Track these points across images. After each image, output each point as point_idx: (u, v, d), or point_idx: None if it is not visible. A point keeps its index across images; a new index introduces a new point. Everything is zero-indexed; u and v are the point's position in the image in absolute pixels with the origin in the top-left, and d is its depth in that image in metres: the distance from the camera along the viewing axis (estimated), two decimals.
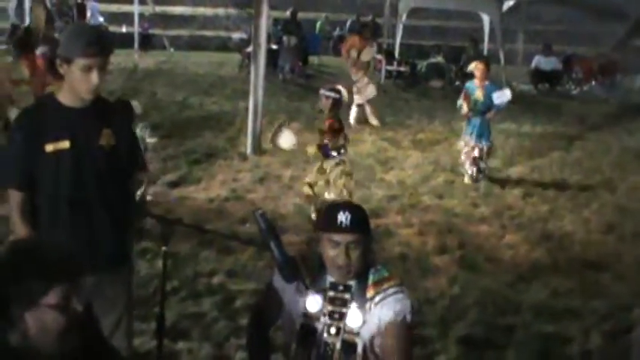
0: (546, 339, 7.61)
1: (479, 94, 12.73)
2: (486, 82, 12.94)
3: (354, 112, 17.83)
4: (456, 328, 7.62)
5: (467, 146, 13.09)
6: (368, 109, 17.96)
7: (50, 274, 3.09)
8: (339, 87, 10.62)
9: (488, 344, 7.42)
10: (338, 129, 9.99)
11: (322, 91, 10.47)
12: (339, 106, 10.34)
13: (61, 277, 3.10)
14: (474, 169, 13.01)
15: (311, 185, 10.18)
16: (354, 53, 18.27)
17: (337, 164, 9.98)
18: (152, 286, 7.90)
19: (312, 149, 10.24)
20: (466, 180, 13.03)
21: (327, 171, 9.98)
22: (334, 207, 4.16)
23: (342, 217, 4.01)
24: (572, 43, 31.27)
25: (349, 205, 4.19)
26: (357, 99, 17.76)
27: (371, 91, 18.16)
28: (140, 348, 6.50)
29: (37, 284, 3.05)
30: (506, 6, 26.92)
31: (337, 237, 4.03)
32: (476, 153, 12.93)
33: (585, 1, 31.12)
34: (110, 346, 3.98)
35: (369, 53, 18.57)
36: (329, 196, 9.84)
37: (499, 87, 13.19)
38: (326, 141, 9.95)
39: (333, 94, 10.25)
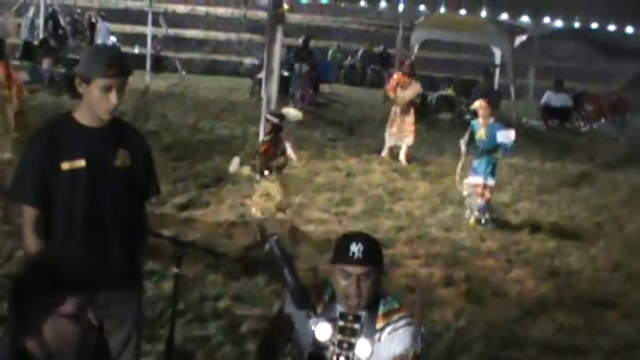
0: None
1: (482, 133, 12.49)
2: (491, 121, 12.60)
3: (387, 146, 17.58)
4: None
5: (471, 186, 12.74)
6: (404, 149, 17.36)
7: (65, 284, 3.13)
8: (285, 111, 10.98)
9: None
10: (272, 154, 10.33)
11: (267, 115, 10.91)
12: (277, 131, 10.48)
13: (76, 288, 3.13)
14: (479, 208, 12.64)
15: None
16: (401, 92, 17.57)
17: (258, 183, 10.50)
18: (158, 307, 7.93)
19: (245, 170, 10.58)
20: (471, 222, 12.66)
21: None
22: (347, 238, 4.15)
23: (355, 249, 4.01)
24: (583, 80, 31.30)
25: (362, 236, 4.16)
26: (397, 140, 17.48)
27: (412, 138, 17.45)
28: None
29: (54, 295, 3.09)
30: (518, 41, 26.95)
31: (349, 268, 4.02)
32: (479, 190, 12.58)
33: (597, 38, 31.20)
34: None
35: (415, 89, 17.77)
36: (255, 214, 10.55)
37: (504, 126, 12.85)
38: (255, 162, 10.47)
39: (273, 119, 10.52)
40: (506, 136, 12.34)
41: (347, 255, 4.02)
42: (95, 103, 4.71)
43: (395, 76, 18.41)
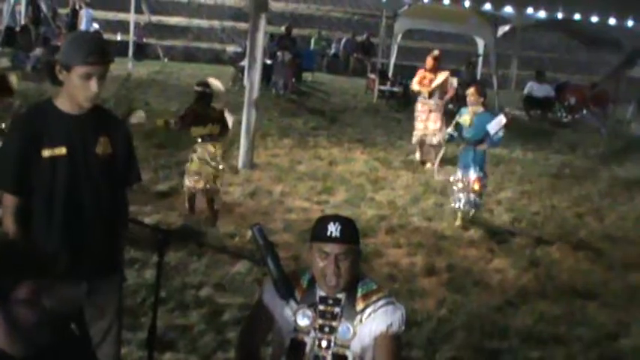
0: None
1: (467, 119, 11.95)
2: (480, 110, 11.91)
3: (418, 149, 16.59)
4: (443, 351, 7.65)
5: (457, 181, 12.02)
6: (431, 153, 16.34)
7: (18, 269, 3.12)
8: (210, 80, 10.99)
9: None
10: (191, 120, 10.57)
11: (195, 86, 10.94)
12: (205, 99, 10.64)
13: (30, 273, 3.12)
14: (469, 202, 11.94)
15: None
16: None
17: (193, 151, 10.67)
18: (140, 295, 7.91)
19: (160, 122, 11.05)
20: (457, 223, 12.03)
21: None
22: (325, 218, 4.23)
23: (332, 228, 4.07)
24: (566, 70, 31.44)
25: (339, 217, 4.22)
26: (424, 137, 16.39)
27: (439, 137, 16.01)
28: (127, 357, 6.49)
29: (5, 279, 3.07)
30: (501, 31, 27.03)
31: (327, 247, 4.08)
32: (461, 184, 11.90)
33: (580, 29, 31.24)
34: (93, 354, 4.00)
35: (443, 75, 16.69)
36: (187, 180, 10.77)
37: (493, 116, 12.00)
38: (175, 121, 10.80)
39: (197, 87, 10.74)
40: (497, 123, 11.71)
41: (325, 234, 4.09)
42: (76, 91, 4.69)
43: (420, 72, 17.10)
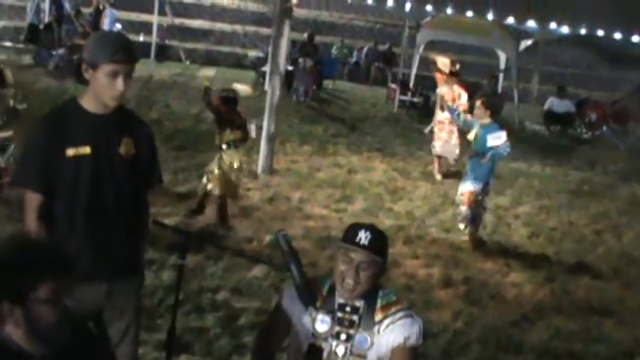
0: None
1: (474, 134, 11.63)
2: (486, 122, 11.54)
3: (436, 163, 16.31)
4: None
5: (460, 193, 11.80)
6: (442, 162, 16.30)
7: (40, 268, 3.13)
8: (236, 86, 11.73)
9: None
10: (224, 124, 10.70)
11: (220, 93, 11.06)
12: (230, 104, 10.73)
13: (51, 273, 3.14)
14: (463, 216, 11.69)
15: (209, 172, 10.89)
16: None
17: (219, 157, 10.74)
18: (157, 297, 7.94)
19: (206, 81, 11.43)
20: (464, 238, 11.78)
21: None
22: (358, 224, 4.22)
23: (362, 235, 4.07)
24: (587, 87, 31.35)
25: (372, 227, 4.21)
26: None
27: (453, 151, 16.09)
28: (143, 358, 6.51)
29: (27, 279, 3.09)
30: (523, 45, 26.98)
31: (351, 253, 4.07)
32: (465, 198, 11.57)
33: (602, 46, 31.20)
34: (112, 354, 4.01)
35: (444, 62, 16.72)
36: (207, 185, 10.84)
37: (497, 129, 11.52)
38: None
39: (224, 94, 10.90)
40: (496, 137, 11.43)
41: (354, 239, 4.08)
42: (102, 90, 4.69)
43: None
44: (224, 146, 10.63)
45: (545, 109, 26.23)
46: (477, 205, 11.58)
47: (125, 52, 4.68)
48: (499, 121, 12.02)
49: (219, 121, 10.71)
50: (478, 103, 11.84)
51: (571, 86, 27.83)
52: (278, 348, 4.54)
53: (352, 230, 4.14)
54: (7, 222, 9.46)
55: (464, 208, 11.63)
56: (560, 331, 8.84)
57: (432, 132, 16.20)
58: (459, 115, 12.32)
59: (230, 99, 10.69)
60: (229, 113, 10.64)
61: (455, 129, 15.62)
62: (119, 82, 4.66)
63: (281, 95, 14.80)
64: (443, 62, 16.23)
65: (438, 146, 16.06)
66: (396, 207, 13.23)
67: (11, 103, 11.40)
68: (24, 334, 3.15)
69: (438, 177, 15.96)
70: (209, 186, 10.78)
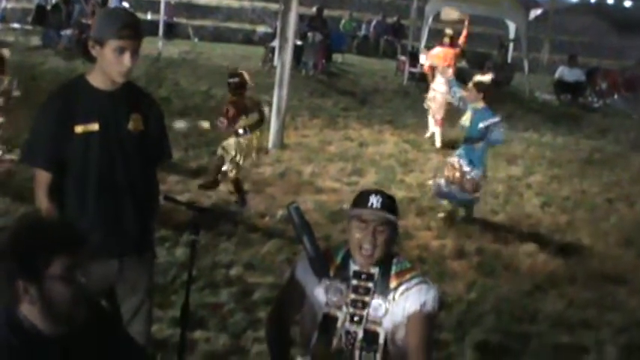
0: (561, 349, 7.63)
1: (467, 117, 11.26)
2: (480, 106, 11.06)
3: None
4: (473, 334, 7.63)
5: (453, 169, 11.25)
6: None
7: (52, 245, 3.13)
8: (241, 71, 10.92)
9: (504, 351, 7.44)
10: (234, 113, 10.48)
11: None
12: (241, 89, 10.62)
13: (63, 249, 3.13)
14: (450, 194, 11.26)
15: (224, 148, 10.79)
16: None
17: (237, 142, 10.62)
18: (170, 274, 7.96)
19: (206, 124, 10.71)
20: (440, 214, 11.38)
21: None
22: (366, 191, 4.26)
23: (374, 200, 4.09)
24: (597, 55, 31.22)
25: (381, 191, 4.24)
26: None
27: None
28: (157, 335, 6.54)
29: (40, 256, 3.09)
30: (533, 14, 26.89)
31: (366, 216, 4.08)
32: (453, 172, 11.16)
33: (612, 14, 31.04)
34: (124, 331, 4.02)
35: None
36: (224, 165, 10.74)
37: (492, 115, 11.02)
38: (221, 120, 10.52)
39: (231, 79, 10.69)
40: (489, 123, 10.92)
41: (366, 204, 4.10)
42: (109, 66, 4.69)
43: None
44: (240, 131, 10.54)
45: (555, 79, 26.15)
46: (461, 188, 11.11)
47: (132, 28, 4.68)
48: (502, 98, 11.71)
49: (237, 111, 10.53)
50: (470, 86, 11.44)
51: (581, 55, 27.66)
52: (292, 318, 4.53)
53: (362, 196, 4.17)
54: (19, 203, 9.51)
55: (443, 181, 11.28)
56: (573, 300, 8.83)
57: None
58: (455, 91, 12.06)
59: (237, 84, 10.58)
60: (241, 99, 10.57)
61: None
62: (126, 58, 4.65)
63: (290, 70, 14.78)
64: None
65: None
66: (408, 179, 13.23)
67: (10, 89, 11.45)
68: (39, 312, 3.14)
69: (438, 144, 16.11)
70: (225, 167, 10.72)
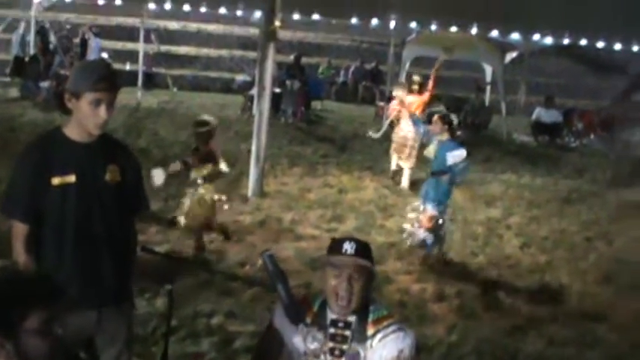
0: None
1: (430, 150, 11.50)
2: (445, 138, 11.21)
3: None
4: None
5: (415, 211, 11.46)
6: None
7: (28, 299, 3.14)
8: (207, 119, 10.93)
9: None
10: (201, 159, 10.51)
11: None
12: (209, 138, 10.59)
13: (40, 303, 3.15)
14: (418, 240, 11.33)
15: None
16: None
17: (194, 193, 10.61)
18: (151, 325, 7.94)
19: (175, 166, 10.47)
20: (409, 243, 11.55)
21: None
22: (340, 238, 4.30)
23: (348, 246, 4.15)
24: (573, 96, 31.45)
25: (355, 238, 4.29)
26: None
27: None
28: None
29: (15, 310, 3.10)
30: (508, 57, 27.08)
31: (340, 262, 4.13)
32: (425, 219, 11.13)
33: (587, 56, 31.31)
34: None
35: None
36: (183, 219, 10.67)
37: (456, 146, 11.13)
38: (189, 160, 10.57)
39: (200, 129, 10.60)
40: (457, 157, 10.99)
41: (340, 250, 4.15)
42: (85, 118, 4.74)
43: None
44: (199, 181, 10.54)
45: (532, 120, 26.32)
46: (439, 228, 11.16)
47: (107, 80, 4.74)
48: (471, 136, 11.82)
49: (201, 155, 10.57)
50: (435, 118, 11.56)
51: (557, 96, 27.86)
52: None
53: (336, 243, 4.22)
54: None
55: (421, 232, 11.18)
56: (554, 338, 8.89)
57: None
58: (420, 126, 12.09)
59: (207, 134, 10.58)
60: (205, 147, 10.57)
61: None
62: (102, 110, 4.71)
63: (269, 118, 14.86)
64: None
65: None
66: (388, 223, 13.27)
67: None
68: None
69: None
70: (181, 217, 10.72)
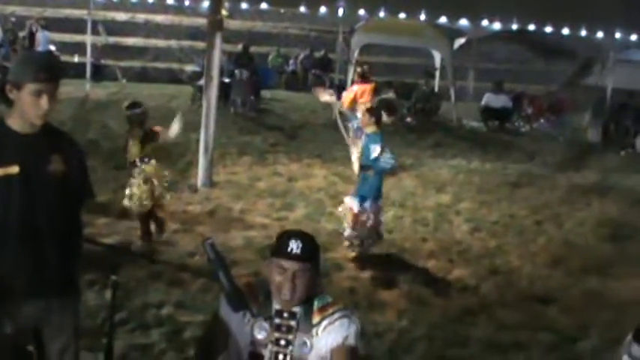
0: None
1: (359, 145, 11.36)
2: (371, 130, 10.95)
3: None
4: None
5: (345, 208, 11.15)
6: None
7: None
8: (138, 101, 11.03)
9: None
10: (142, 139, 10.46)
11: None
12: (139, 120, 10.52)
13: None
14: (348, 235, 10.97)
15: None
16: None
17: (139, 173, 10.52)
18: (100, 316, 7.85)
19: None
20: (352, 254, 10.95)
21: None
22: (286, 234, 4.24)
23: (293, 245, 4.09)
24: (522, 81, 31.65)
25: (301, 234, 4.23)
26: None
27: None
28: None
29: None
30: (457, 44, 27.19)
31: (286, 264, 4.09)
32: (349, 216, 10.87)
33: (535, 40, 31.54)
34: None
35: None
36: (128, 202, 10.54)
37: (379, 140, 10.72)
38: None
39: (133, 111, 10.56)
40: (376, 150, 10.60)
41: (285, 250, 4.10)
42: (27, 109, 4.69)
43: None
44: (146, 159, 10.50)
45: (482, 105, 26.43)
46: (362, 226, 10.77)
47: (48, 70, 4.69)
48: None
49: (144, 136, 10.48)
50: (363, 109, 11.55)
51: (507, 81, 28.03)
52: (218, 357, 4.52)
53: (282, 241, 4.16)
54: None
55: (347, 229, 10.94)
56: (505, 322, 8.95)
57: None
58: (354, 122, 11.98)
59: (135, 115, 10.53)
60: (139, 129, 10.52)
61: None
62: (44, 101, 4.66)
63: (218, 108, 14.80)
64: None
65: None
66: (338, 211, 13.24)
67: None
68: None
69: None
70: (127, 203, 10.60)
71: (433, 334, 8.45)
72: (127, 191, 10.54)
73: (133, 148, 10.45)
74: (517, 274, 10.82)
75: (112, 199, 12.25)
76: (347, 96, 17.08)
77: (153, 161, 10.55)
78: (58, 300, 4.94)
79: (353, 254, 10.92)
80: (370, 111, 11.37)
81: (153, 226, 10.89)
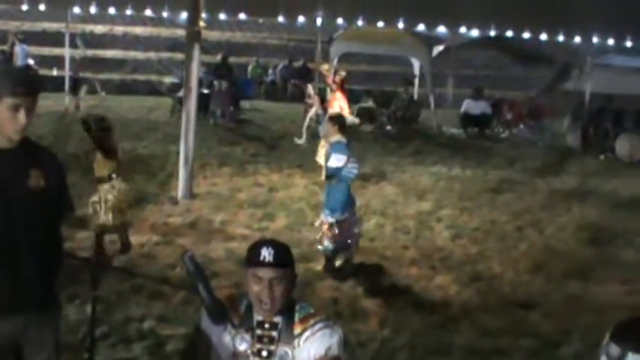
0: None
1: (322, 154, 11.28)
2: (335, 138, 10.78)
3: None
4: None
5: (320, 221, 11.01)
6: None
7: None
8: (103, 115, 11.13)
9: None
10: (107, 155, 10.42)
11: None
12: (109, 134, 10.51)
13: None
14: (325, 249, 10.69)
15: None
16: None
17: (108, 190, 10.47)
18: (81, 331, 7.82)
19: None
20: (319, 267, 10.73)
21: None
22: (257, 244, 4.21)
23: (265, 253, 4.08)
24: (501, 87, 31.73)
25: (272, 242, 4.23)
26: None
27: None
28: None
29: None
30: (436, 51, 27.28)
31: (261, 272, 4.08)
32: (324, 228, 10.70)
33: (513, 47, 31.66)
34: None
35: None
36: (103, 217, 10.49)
37: (343, 149, 10.54)
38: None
39: (104, 125, 10.50)
40: (340, 160, 10.40)
41: (258, 259, 4.09)
42: (4, 124, 4.65)
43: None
44: (114, 175, 10.45)
45: (461, 112, 26.51)
46: (334, 238, 10.54)
47: (26, 85, 4.67)
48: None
49: (107, 151, 10.41)
50: (327, 118, 11.45)
51: (486, 88, 28.13)
52: None
53: (254, 251, 4.14)
54: None
55: (325, 241, 10.64)
56: (486, 328, 8.94)
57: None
58: (322, 130, 11.90)
59: (110, 128, 10.52)
60: (110, 143, 10.49)
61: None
62: (21, 116, 4.63)
63: (198, 119, 14.80)
64: (324, 67, 16.80)
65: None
66: (319, 221, 13.24)
67: None
68: None
69: None
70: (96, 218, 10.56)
71: (416, 342, 8.44)
72: (106, 205, 10.48)
73: (106, 164, 10.43)
74: (499, 279, 10.83)
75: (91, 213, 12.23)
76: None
77: (119, 178, 10.56)
78: (37, 315, 4.91)
79: (319, 267, 10.69)
80: (332, 119, 11.20)
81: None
